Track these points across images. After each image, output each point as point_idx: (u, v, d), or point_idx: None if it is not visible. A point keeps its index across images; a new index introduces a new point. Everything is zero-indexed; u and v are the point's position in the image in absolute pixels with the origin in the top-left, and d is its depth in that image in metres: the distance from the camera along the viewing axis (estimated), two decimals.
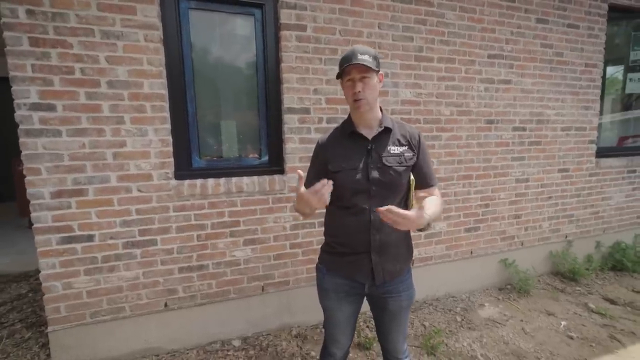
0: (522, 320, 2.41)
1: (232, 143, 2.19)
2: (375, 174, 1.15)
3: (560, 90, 2.88)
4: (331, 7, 2.11)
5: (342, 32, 2.16)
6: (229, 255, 2.10)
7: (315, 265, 1.36)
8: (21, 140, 1.66)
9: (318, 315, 2.35)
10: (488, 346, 2.13)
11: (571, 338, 2.21)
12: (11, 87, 1.62)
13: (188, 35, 1.96)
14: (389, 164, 1.15)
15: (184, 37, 1.95)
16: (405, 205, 1.24)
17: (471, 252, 2.77)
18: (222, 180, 2.03)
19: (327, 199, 1.02)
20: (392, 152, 1.17)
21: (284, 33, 2.04)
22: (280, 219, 2.18)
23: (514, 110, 2.73)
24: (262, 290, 2.21)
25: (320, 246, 1.36)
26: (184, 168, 2.01)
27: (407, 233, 1.28)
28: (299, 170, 1.04)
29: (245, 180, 2.07)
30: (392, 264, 1.21)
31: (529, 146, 2.84)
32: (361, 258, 1.19)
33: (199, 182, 1.98)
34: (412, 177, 1.21)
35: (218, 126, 2.16)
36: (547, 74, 2.80)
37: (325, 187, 1.00)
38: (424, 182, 1.22)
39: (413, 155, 1.20)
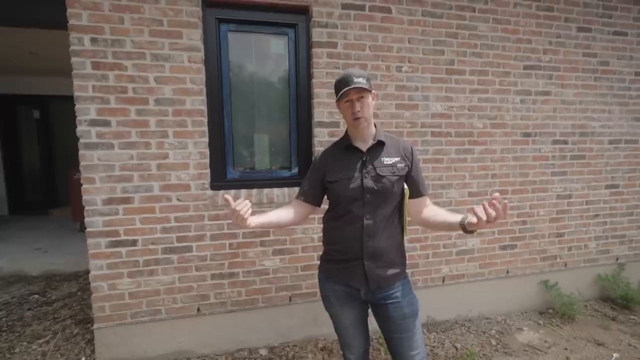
0: (566, 349, 2.22)
1: (264, 155, 2.29)
2: (369, 183, 1.22)
3: (607, 101, 2.70)
4: (361, 24, 2.17)
5: (372, 47, 2.20)
6: (259, 265, 2.16)
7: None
8: (80, 152, 1.86)
9: None
10: None
11: None
12: (74, 105, 1.83)
13: (226, 55, 2.10)
14: (382, 174, 1.23)
15: (223, 56, 2.09)
16: (400, 213, 1.30)
17: (507, 272, 2.62)
18: (254, 191, 2.11)
19: (247, 219, 1.11)
20: (385, 162, 1.25)
21: (316, 50, 2.12)
22: (309, 230, 2.22)
23: (553, 122, 2.59)
24: (290, 300, 2.23)
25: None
26: (219, 179, 2.13)
27: (400, 240, 1.31)
28: (227, 196, 1.13)
29: (276, 191, 2.14)
30: (384, 270, 1.25)
31: (572, 160, 2.67)
32: (355, 264, 1.25)
33: (232, 192, 2.08)
34: (405, 186, 1.27)
35: (252, 139, 2.26)
36: (591, 84, 2.65)
37: (244, 208, 1.09)
38: (417, 191, 1.30)
39: (405, 166, 1.27)
